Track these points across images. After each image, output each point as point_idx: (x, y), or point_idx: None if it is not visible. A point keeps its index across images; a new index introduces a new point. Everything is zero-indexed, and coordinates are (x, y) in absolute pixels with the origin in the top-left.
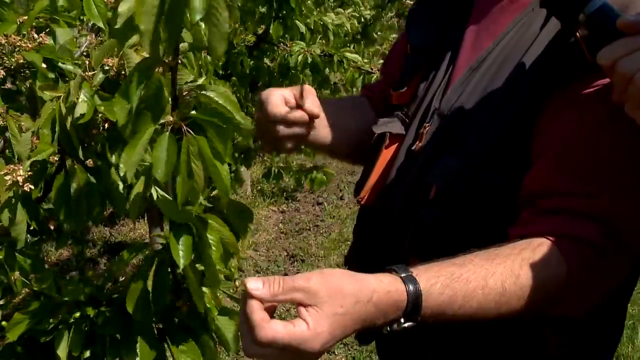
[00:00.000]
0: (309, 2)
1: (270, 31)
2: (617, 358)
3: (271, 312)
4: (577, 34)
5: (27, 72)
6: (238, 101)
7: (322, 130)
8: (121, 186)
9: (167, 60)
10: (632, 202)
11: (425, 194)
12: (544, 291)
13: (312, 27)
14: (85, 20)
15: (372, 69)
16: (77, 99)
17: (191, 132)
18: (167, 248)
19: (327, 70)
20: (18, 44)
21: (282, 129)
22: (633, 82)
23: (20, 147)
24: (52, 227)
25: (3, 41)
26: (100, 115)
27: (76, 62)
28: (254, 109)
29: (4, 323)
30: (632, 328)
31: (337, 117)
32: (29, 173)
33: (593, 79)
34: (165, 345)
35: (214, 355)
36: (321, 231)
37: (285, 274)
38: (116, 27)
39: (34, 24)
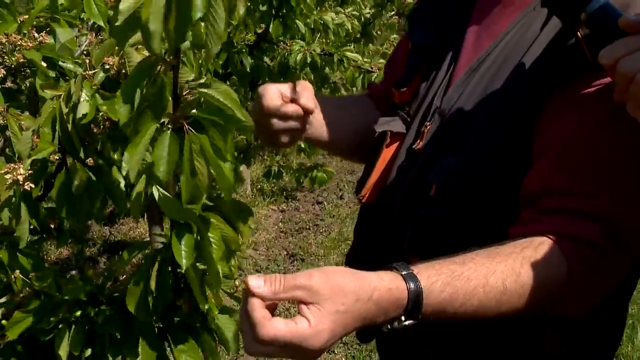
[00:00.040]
0: (309, 1)
1: (270, 30)
2: (616, 357)
3: (272, 310)
4: (578, 33)
5: (28, 70)
6: None
7: (321, 127)
8: (122, 184)
9: (168, 59)
10: (632, 202)
11: (426, 193)
12: (544, 290)
13: (313, 26)
14: (85, 19)
15: (372, 68)
16: (80, 98)
17: (192, 130)
18: (168, 247)
19: (327, 69)
20: (19, 42)
21: (277, 123)
22: (635, 82)
23: (20, 145)
24: (52, 226)
25: (4, 40)
26: (101, 114)
27: (77, 61)
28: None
29: (4, 322)
30: (632, 327)
31: (339, 114)
32: (30, 172)
33: (593, 78)
34: (166, 344)
35: (214, 354)
36: (321, 230)
37: (285, 273)
38: (117, 24)
39: (34, 23)
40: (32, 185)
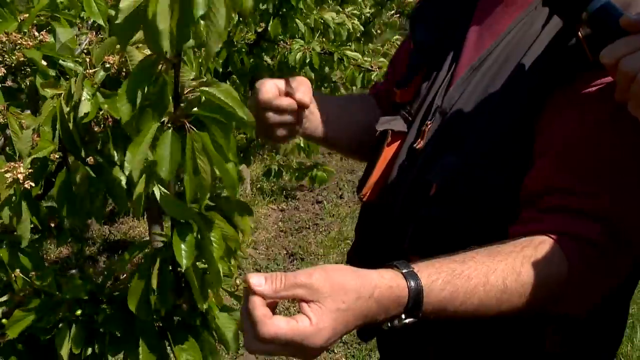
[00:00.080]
0: (309, 0)
1: (269, 29)
2: (616, 357)
3: (272, 309)
4: (579, 32)
5: (28, 69)
6: None
7: (320, 123)
8: (123, 182)
9: (169, 58)
10: (633, 201)
11: (426, 192)
12: (545, 289)
13: (313, 26)
14: (85, 18)
15: (372, 67)
16: (81, 97)
17: (194, 128)
18: (169, 246)
19: (326, 68)
20: (19, 41)
21: (273, 116)
22: (636, 81)
23: (21, 144)
24: (52, 225)
25: (4, 39)
26: (102, 113)
27: (77, 59)
28: None
29: (4, 321)
30: (632, 327)
31: (340, 112)
32: (30, 170)
33: (594, 78)
34: (166, 343)
35: (214, 354)
36: (321, 230)
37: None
38: (117, 22)
39: (34, 21)
40: (32, 184)
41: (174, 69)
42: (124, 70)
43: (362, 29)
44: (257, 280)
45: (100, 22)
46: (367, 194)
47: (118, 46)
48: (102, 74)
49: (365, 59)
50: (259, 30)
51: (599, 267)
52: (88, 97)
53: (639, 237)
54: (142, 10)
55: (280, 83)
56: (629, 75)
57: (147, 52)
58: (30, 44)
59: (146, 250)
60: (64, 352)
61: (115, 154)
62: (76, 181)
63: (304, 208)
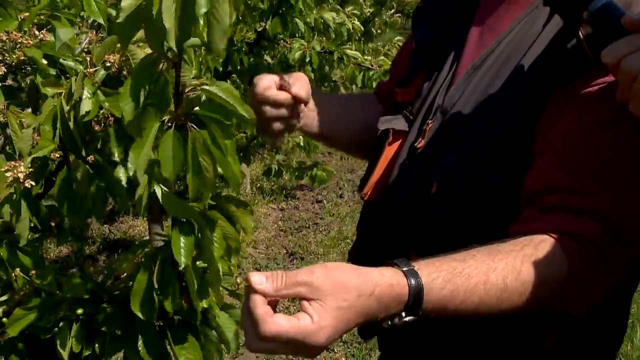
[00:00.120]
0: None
1: (267, 28)
2: (616, 356)
3: (273, 307)
4: (579, 32)
5: (28, 68)
6: None
7: (318, 119)
8: (124, 181)
9: (170, 56)
10: (633, 201)
11: (427, 191)
12: (545, 288)
13: (313, 25)
14: (85, 17)
15: (372, 66)
16: (82, 96)
17: (195, 127)
18: (169, 245)
19: (326, 68)
20: (19, 40)
21: (269, 110)
22: (638, 80)
23: (21, 143)
24: (52, 224)
25: (4, 38)
26: (102, 112)
27: (77, 58)
28: None
29: (4, 319)
30: (631, 327)
31: (340, 110)
32: (30, 169)
33: (594, 77)
34: (166, 342)
35: (215, 353)
36: (320, 229)
37: None
38: (119, 21)
39: (35, 20)
40: (33, 183)
41: (175, 68)
42: (125, 69)
43: (362, 29)
44: (258, 279)
45: (100, 21)
46: (369, 193)
47: (119, 45)
48: (102, 72)
49: (366, 57)
50: (259, 29)
51: (599, 266)
52: (89, 95)
53: (639, 237)
54: (144, 8)
55: (278, 78)
56: (630, 75)
57: (149, 50)
58: (31, 42)
59: (146, 250)
60: (65, 351)
61: (117, 153)
62: (76, 180)
63: (304, 207)
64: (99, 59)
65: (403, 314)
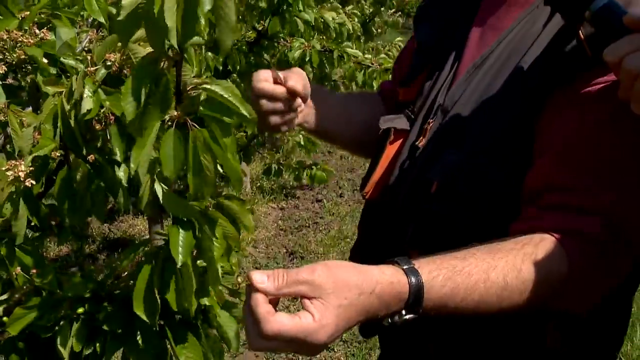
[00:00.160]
0: None
1: (267, 27)
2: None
3: (274, 305)
4: (580, 31)
5: (29, 67)
6: None
7: (318, 117)
8: (124, 181)
9: (171, 55)
10: (633, 201)
11: (427, 190)
12: (546, 286)
13: (313, 24)
14: (85, 15)
15: (372, 64)
16: (82, 94)
17: (196, 126)
18: (168, 244)
19: (326, 67)
20: (20, 39)
21: (265, 104)
22: (639, 79)
23: (21, 142)
24: (53, 223)
25: (5, 36)
26: (103, 110)
27: (78, 57)
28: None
29: (5, 318)
30: (631, 326)
31: (342, 108)
32: (31, 168)
33: (594, 77)
34: (167, 342)
35: (216, 352)
36: (320, 228)
37: None
38: (119, 19)
39: (35, 19)
40: (33, 182)
41: (176, 67)
42: (126, 67)
43: (361, 30)
44: (260, 278)
45: (101, 19)
46: (370, 192)
47: (119, 44)
48: (103, 71)
49: (366, 56)
50: (259, 28)
51: (599, 265)
52: (90, 94)
53: (639, 237)
54: (145, 7)
55: (275, 72)
56: (632, 74)
57: (150, 49)
58: (31, 41)
59: (146, 249)
60: (65, 350)
61: (118, 152)
62: (77, 179)
63: (304, 206)
64: (100, 57)
65: (403, 311)
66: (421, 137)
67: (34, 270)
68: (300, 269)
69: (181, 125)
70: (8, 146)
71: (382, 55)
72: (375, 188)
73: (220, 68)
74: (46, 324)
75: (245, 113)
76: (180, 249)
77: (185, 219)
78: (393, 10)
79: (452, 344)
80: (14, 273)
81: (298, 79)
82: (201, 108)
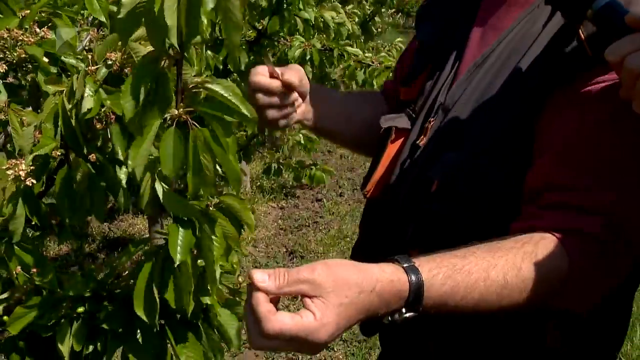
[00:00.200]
0: None
1: (267, 25)
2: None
3: (274, 303)
4: (579, 30)
5: (29, 66)
6: None
7: (317, 113)
8: (124, 180)
9: (172, 54)
10: (633, 201)
11: (427, 188)
12: (546, 285)
13: (313, 23)
14: (85, 14)
15: (372, 62)
16: (83, 93)
17: (197, 125)
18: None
19: (326, 66)
20: (20, 38)
21: (262, 97)
22: None
23: (22, 141)
24: (53, 222)
25: (5, 35)
26: (104, 110)
27: (78, 56)
28: None
29: (5, 317)
30: (631, 326)
31: (342, 107)
32: (31, 168)
33: (594, 77)
34: (167, 341)
35: (216, 351)
36: (320, 228)
37: None
38: (120, 17)
39: (36, 18)
40: (34, 181)
41: (177, 65)
42: (127, 66)
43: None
44: (261, 277)
45: (102, 18)
46: (371, 191)
47: (120, 43)
48: (104, 70)
49: (367, 55)
50: (259, 27)
51: (600, 265)
52: (91, 93)
53: (639, 237)
54: (145, 5)
55: (271, 67)
56: (634, 73)
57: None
58: (32, 40)
59: (146, 248)
60: (65, 349)
61: (120, 151)
62: (77, 179)
63: (304, 206)
64: (101, 56)
65: (403, 309)
66: (422, 136)
67: (35, 270)
68: (300, 268)
69: (182, 124)
70: (8, 145)
71: (383, 54)
72: (376, 187)
73: (221, 67)
74: (47, 323)
75: (246, 112)
76: (178, 248)
77: (186, 218)
78: (393, 10)
79: (452, 342)
80: (14, 272)
81: (294, 73)
82: (202, 107)
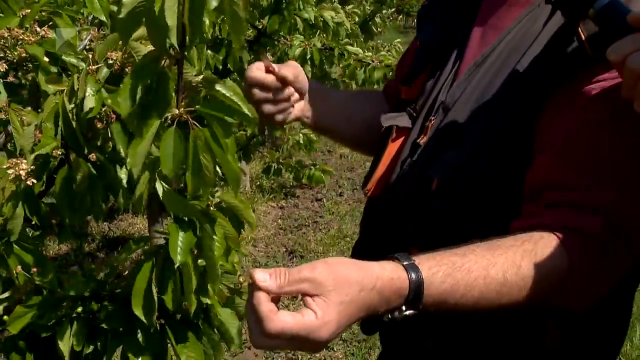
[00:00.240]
0: None
1: (267, 25)
2: None
3: (275, 302)
4: (579, 30)
5: (30, 65)
6: None
7: (317, 111)
8: (124, 180)
9: (173, 53)
10: (633, 201)
11: (427, 188)
12: (545, 283)
13: (313, 22)
14: (86, 13)
15: (372, 61)
16: (85, 93)
17: (197, 125)
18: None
19: (326, 66)
20: (21, 37)
21: (257, 92)
22: None
23: (22, 140)
24: (53, 222)
25: (6, 34)
26: (104, 109)
27: (79, 56)
28: None
29: (5, 317)
30: (631, 326)
31: (342, 107)
32: (32, 167)
33: (594, 77)
34: (167, 341)
35: (216, 351)
36: (320, 227)
37: None
38: (120, 17)
39: (36, 17)
40: (34, 181)
41: (178, 65)
42: (128, 66)
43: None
44: (262, 276)
45: (102, 18)
46: (372, 189)
47: (121, 42)
48: (105, 70)
49: (367, 54)
50: (259, 27)
51: (599, 264)
52: (92, 93)
53: (639, 237)
54: (146, 5)
55: (267, 62)
56: (635, 72)
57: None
58: (32, 39)
59: (145, 247)
60: (65, 348)
61: (122, 150)
62: (77, 179)
63: (304, 206)
64: (101, 56)
65: (403, 307)
66: (422, 135)
67: (35, 269)
68: (301, 267)
69: (182, 124)
70: (9, 144)
71: (383, 53)
72: (377, 185)
73: (220, 67)
74: (47, 322)
75: (247, 112)
76: (179, 249)
77: (186, 218)
78: (392, 9)
79: (451, 340)
80: (14, 272)
81: (290, 69)
82: (203, 107)
